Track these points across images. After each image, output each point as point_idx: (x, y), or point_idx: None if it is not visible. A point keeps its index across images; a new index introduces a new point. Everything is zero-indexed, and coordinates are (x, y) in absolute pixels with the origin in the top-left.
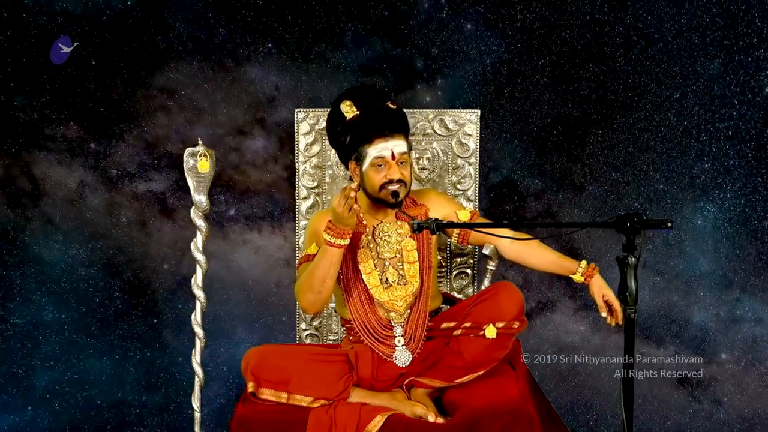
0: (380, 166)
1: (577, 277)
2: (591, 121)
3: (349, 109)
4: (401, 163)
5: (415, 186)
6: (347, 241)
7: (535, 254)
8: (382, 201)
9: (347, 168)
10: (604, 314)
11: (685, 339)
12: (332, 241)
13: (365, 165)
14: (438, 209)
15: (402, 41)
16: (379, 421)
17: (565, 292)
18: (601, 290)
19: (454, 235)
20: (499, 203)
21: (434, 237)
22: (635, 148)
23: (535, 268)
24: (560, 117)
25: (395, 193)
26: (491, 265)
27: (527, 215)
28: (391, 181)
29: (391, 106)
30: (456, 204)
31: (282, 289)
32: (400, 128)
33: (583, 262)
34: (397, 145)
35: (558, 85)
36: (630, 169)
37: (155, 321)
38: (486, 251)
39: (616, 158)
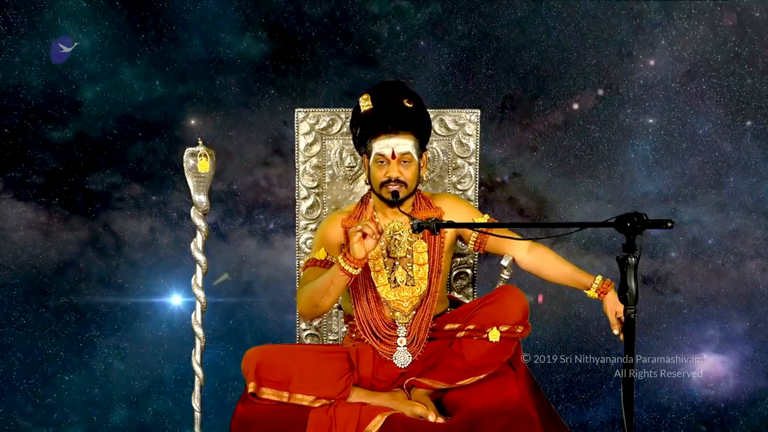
0: (381, 162)
1: (591, 293)
2: None
3: (364, 103)
4: (403, 162)
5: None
6: (359, 272)
7: (552, 267)
8: (383, 198)
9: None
10: (616, 331)
11: None
12: (346, 268)
13: (370, 160)
14: (454, 214)
15: None
16: (379, 420)
17: None
18: (615, 307)
19: (470, 241)
20: None
21: (447, 242)
22: None
23: (551, 280)
24: None
25: (395, 193)
26: (505, 275)
27: None
28: (390, 180)
29: (407, 104)
30: (475, 211)
31: None
32: (408, 126)
33: (599, 278)
34: (400, 143)
35: None
36: None
37: None
38: (504, 263)
39: None
